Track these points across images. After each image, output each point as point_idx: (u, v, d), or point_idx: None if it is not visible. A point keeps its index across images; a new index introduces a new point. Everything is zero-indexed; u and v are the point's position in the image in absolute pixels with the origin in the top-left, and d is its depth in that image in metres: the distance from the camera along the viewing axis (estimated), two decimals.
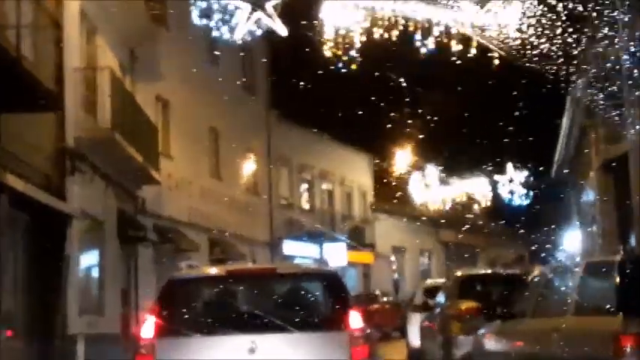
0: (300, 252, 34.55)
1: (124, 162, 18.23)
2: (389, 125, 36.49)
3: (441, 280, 19.21)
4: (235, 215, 28.37)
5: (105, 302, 17.93)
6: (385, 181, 40.76)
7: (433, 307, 14.72)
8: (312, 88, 36.69)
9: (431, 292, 17.83)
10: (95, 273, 17.91)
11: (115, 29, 19.26)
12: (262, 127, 32.29)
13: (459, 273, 14.51)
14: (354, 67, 15.49)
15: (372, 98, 37.27)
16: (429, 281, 19.68)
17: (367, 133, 39.12)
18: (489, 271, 15.56)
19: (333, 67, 16.90)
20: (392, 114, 35.72)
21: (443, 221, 44.69)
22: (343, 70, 16.27)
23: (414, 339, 17.23)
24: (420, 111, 35.11)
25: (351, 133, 38.76)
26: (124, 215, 19.46)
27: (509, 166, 37.02)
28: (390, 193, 41.61)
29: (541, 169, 36.18)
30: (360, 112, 38.47)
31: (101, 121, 16.68)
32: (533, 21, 14.83)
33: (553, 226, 36.42)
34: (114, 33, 19.25)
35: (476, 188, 38.54)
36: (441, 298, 14.61)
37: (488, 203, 38.93)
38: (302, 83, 35.70)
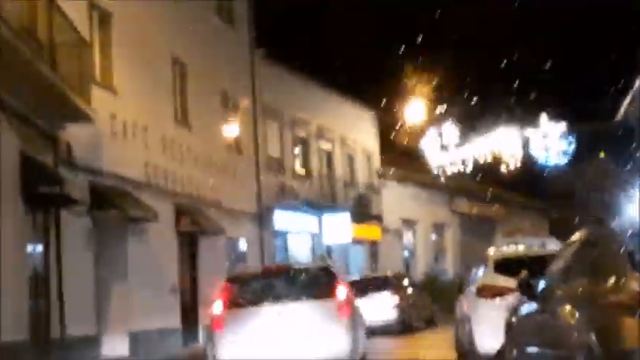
0: (294, 226, 28.00)
1: (24, 76, 11.58)
2: (399, 70, 30.00)
3: (522, 248, 12.93)
4: (211, 177, 21.68)
5: None
6: (393, 141, 34.03)
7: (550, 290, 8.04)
8: (308, 19, 30.07)
9: (508, 266, 11.69)
10: None
11: None
12: (244, 67, 25.46)
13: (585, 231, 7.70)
14: None
15: (379, 38, 30.81)
16: (506, 249, 13.05)
17: (373, 82, 32.59)
18: None
19: None
20: (403, 54, 29.23)
21: (459, 188, 38.23)
22: None
23: (486, 340, 11.24)
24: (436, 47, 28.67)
25: (354, 82, 32.19)
26: (31, 163, 12.79)
27: (544, 116, 30.84)
28: (399, 156, 35.10)
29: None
30: (364, 56, 32.03)
31: None
32: None
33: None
34: None
35: (503, 146, 32.15)
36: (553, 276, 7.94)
37: (518, 164, 32.42)
38: (295, 13, 29.14)
